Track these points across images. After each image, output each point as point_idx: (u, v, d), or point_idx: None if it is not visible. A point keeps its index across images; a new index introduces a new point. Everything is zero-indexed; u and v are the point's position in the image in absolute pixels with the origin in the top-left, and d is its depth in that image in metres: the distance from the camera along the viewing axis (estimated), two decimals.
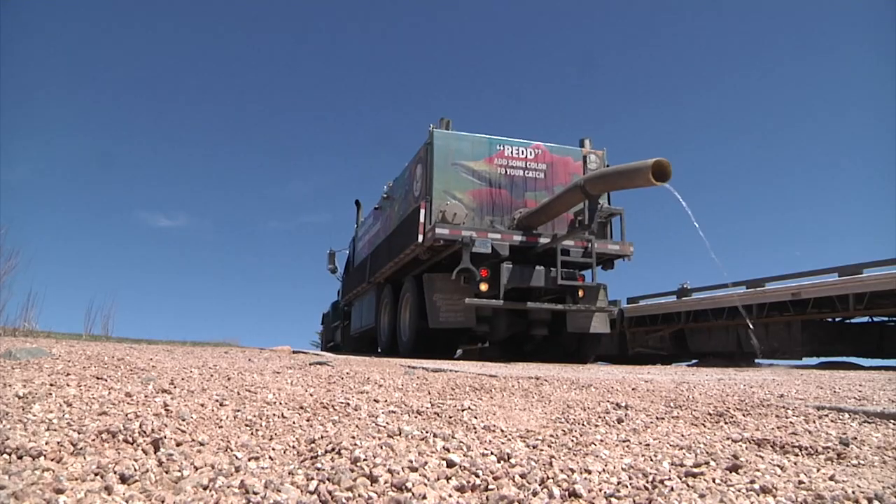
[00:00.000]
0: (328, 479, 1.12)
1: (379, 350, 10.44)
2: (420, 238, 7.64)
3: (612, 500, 1.08)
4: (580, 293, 7.68)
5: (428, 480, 1.13)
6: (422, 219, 7.67)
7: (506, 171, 8.13)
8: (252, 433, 1.55)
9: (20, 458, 1.17)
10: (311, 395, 2.20)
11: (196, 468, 1.20)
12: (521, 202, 8.10)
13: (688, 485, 1.15)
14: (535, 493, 1.10)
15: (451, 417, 1.85)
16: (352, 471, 1.16)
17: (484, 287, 7.25)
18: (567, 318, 7.88)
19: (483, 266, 7.31)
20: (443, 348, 8.11)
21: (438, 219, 7.58)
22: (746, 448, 1.53)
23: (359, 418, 1.75)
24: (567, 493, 1.10)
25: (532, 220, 7.74)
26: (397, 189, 9.67)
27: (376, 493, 1.06)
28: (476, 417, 1.87)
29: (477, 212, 7.92)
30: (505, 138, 8.33)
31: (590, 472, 1.21)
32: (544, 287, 7.61)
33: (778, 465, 1.29)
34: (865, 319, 9.43)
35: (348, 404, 1.96)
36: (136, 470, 1.15)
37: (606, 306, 8.13)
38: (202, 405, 1.81)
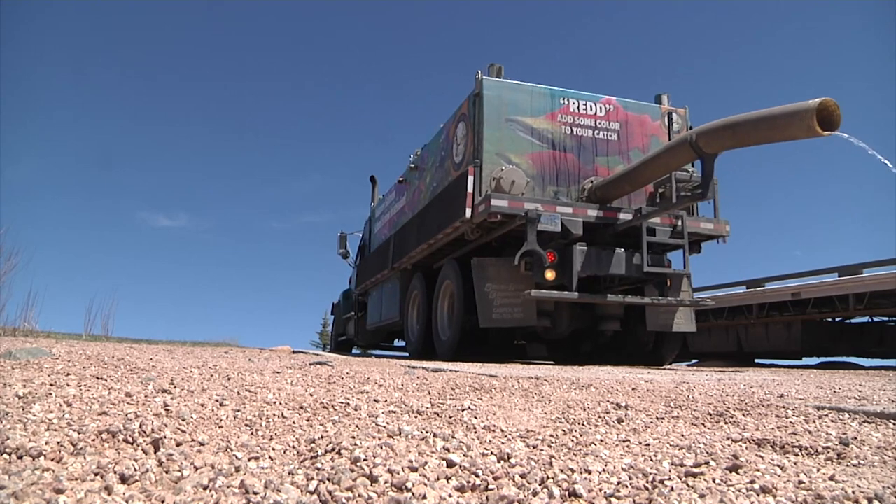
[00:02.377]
0: (328, 479, 1.12)
1: (407, 349, 8.99)
2: (468, 212, 6.13)
3: (612, 499, 1.08)
4: (668, 283, 6.34)
5: (428, 480, 1.13)
6: (470, 188, 6.15)
7: (572, 131, 6.62)
8: (252, 433, 1.55)
9: (20, 458, 1.17)
10: (311, 395, 2.20)
11: (196, 468, 1.20)
12: (590, 169, 6.60)
13: (688, 485, 1.15)
14: (535, 493, 1.10)
15: (451, 417, 1.85)
16: (352, 471, 1.16)
17: (550, 275, 5.86)
18: (647, 314, 6.44)
19: (549, 248, 5.89)
20: (494, 349, 6.75)
21: (491, 188, 6.11)
22: (746, 448, 1.53)
23: (359, 418, 1.75)
24: (567, 493, 1.10)
25: (610, 191, 6.27)
26: (429, 157, 8.10)
27: (376, 493, 1.06)
28: (476, 417, 1.87)
29: (538, 180, 6.39)
30: (569, 90, 6.76)
31: (590, 472, 1.21)
32: (623, 275, 6.20)
33: (778, 465, 1.29)
34: (865, 319, 9.45)
35: (348, 404, 1.96)
36: (136, 470, 1.15)
37: (691, 298, 6.70)
38: (202, 405, 1.81)
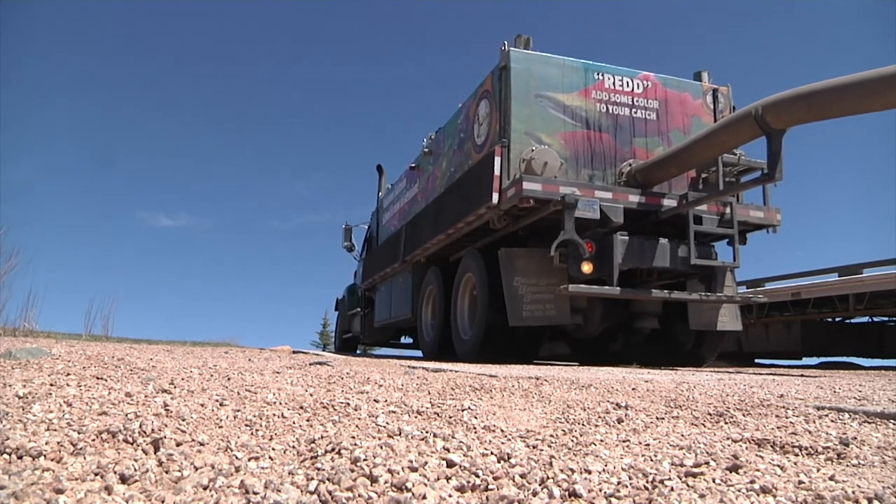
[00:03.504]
0: (328, 479, 1.12)
1: (420, 348, 8.40)
2: (494, 198, 5.49)
3: (612, 499, 1.08)
4: (715, 277, 5.80)
5: (428, 480, 1.13)
6: (497, 170, 5.52)
7: (607, 109, 6.03)
8: (252, 433, 1.55)
9: (20, 458, 1.17)
10: (311, 395, 2.20)
11: (196, 468, 1.20)
12: (627, 151, 6.01)
13: (688, 485, 1.15)
14: (535, 493, 1.10)
15: (451, 417, 1.85)
16: (352, 471, 1.16)
17: (587, 268, 5.25)
18: (689, 311, 5.94)
19: (585, 238, 5.27)
20: (522, 350, 6.11)
21: (521, 170, 5.50)
22: (746, 448, 1.53)
23: (359, 418, 1.75)
24: (567, 493, 1.10)
25: (653, 174, 5.71)
26: (445, 140, 7.42)
27: (376, 493, 1.06)
28: (476, 417, 1.87)
29: (571, 162, 5.79)
30: (604, 64, 6.16)
31: (590, 472, 1.21)
32: (667, 268, 5.61)
33: (778, 465, 1.29)
34: (865, 319, 9.46)
35: (348, 404, 1.96)
36: (136, 470, 1.15)
37: (736, 294, 6.15)
38: (202, 405, 1.81)
